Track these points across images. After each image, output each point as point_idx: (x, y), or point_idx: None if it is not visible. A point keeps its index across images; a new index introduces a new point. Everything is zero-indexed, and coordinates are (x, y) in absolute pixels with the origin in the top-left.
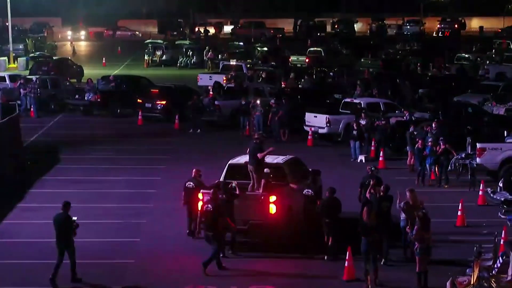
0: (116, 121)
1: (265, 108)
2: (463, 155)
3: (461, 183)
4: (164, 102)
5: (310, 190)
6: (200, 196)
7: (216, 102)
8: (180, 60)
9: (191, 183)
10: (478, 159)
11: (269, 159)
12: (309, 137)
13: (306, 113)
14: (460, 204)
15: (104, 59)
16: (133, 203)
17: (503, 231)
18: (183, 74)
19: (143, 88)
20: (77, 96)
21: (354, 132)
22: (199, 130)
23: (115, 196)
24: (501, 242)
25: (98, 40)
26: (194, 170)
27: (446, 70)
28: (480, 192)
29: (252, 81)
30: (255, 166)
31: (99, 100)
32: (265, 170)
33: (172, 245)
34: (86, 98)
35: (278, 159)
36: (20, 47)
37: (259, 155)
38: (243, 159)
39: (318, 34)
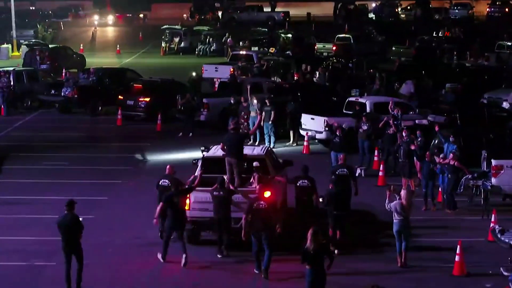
0: (95, 120)
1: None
2: (475, 174)
3: (475, 207)
4: (148, 99)
5: (306, 181)
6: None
7: (204, 100)
8: (198, 47)
9: (166, 181)
10: (493, 180)
11: (247, 150)
12: (305, 143)
13: (303, 115)
14: (458, 246)
15: (118, 46)
16: (56, 235)
17: None
18: (201, 62)
19: (129, 83)
20: (52, 91)
21: (336, 140)
22: (190, 134)
23: (40, 224)
24: None
25: (127, 26)
26: (168, 166)
27: (485, 60)
28: (492, 225)
29: (264, 74)
30: (238, 159)
31: (76, 96)
32: (254, 163)
33: None
34: (62, 94)
35: (257, 149)
36: (31, 33)
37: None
38: (219, 151)
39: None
